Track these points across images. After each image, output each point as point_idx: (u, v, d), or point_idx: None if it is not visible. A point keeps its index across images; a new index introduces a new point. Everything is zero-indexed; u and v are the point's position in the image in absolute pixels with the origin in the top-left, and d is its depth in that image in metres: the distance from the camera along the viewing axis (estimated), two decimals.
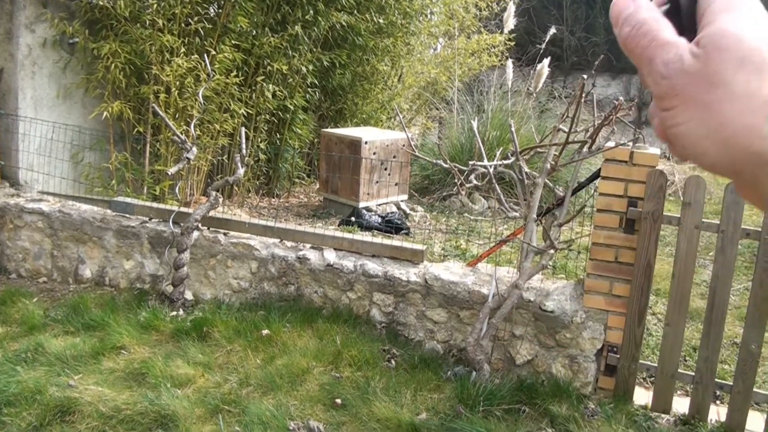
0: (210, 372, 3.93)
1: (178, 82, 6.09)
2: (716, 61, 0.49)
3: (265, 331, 4.29)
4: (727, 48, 0.49)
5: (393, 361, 4.14)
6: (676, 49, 0.51)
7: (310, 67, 7.34)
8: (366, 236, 4.98)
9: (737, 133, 0.48)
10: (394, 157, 7.18)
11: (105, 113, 5.96)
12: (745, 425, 3.74)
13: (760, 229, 3.71)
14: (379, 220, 6.72)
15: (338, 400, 3.69)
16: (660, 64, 0.52)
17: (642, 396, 4.03)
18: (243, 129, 5.23)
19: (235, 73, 6.42)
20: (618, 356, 3.95)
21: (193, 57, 6.06)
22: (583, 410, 3.75)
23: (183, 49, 6.09)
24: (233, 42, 6.46)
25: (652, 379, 4.08)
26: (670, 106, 0.52)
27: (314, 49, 7.43)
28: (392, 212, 7.15)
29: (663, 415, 3.88)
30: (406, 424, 3.50)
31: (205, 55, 5.66)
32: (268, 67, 6.91)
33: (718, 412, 3.92)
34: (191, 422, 3.45)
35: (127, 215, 5.16)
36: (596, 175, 4.10)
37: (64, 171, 6.08)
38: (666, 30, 0.52)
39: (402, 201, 7.48)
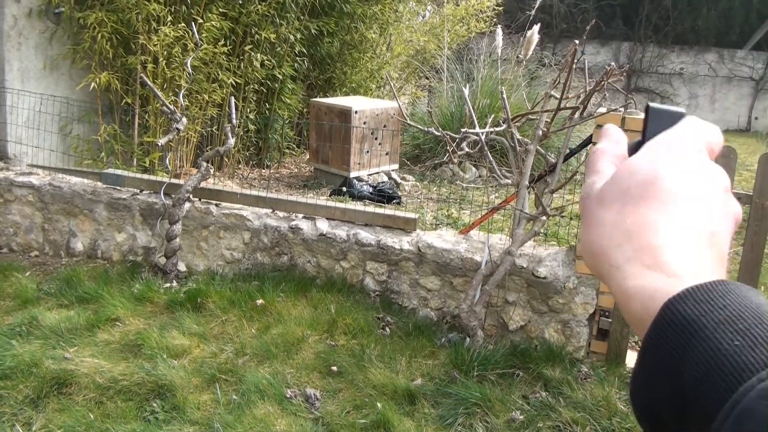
0: (205, 342, 3.94)
1: (165, 52, 6.02)
2: (605, 190, 0.57)
3: (260, 301, 4.31)
4: (618, 179, 0.57)
5: (387, 329, 4.17)
6: (596, 177, 0.59)
7: (298, 36, 7.27)
8: (358, 205, 4.98)
9: (595, 253, 0.56)
10: (385, 126, 7.15)
11: (92, 84, 5.90)
12: None
13: (750, 194, 3.74)
14: (371, 189, 6.72)
15: (334, 368, 3.72)
16: (583, 186, 0.61)
17: (634, 359, 4.07)
18: (232, 99, 5.19)
19: (222, 42, 6.36)
20: (610, 320, 3.99)
21: (180, 26, 5.99)
22: (576, 374, 3.80)
23: (170, 18, 6.02)
24: (220, 10, 6.38)
25: None
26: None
27: (302, 17, 7.36)
28: (383, 182, 7.14)
29: None
30: (401, 389, 3.53)
31: (193, 24, 5.59)
32: (256, 36, 6.84)
33: None
34: (188, 392, 3.47)
35: (118, 187, 5.13)
36: (588, 142, 4.11)
37: (53, 143, 6.02)
38: (602, 162, 0.60)
39: (393, 170, 7.47)
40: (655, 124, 0.59)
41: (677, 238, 0.53)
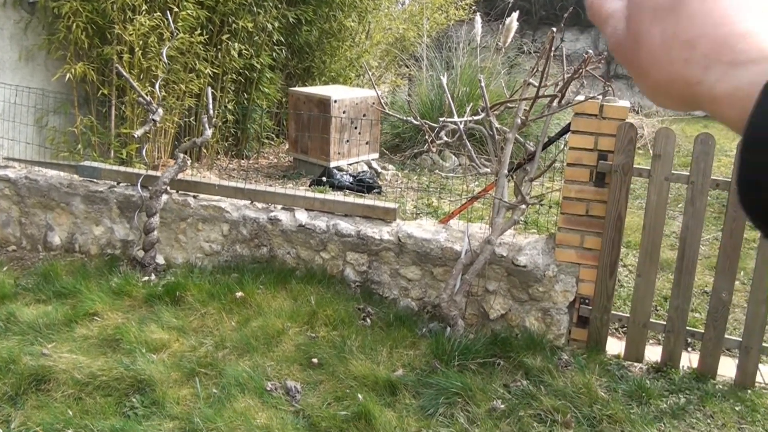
0: (185, 336, 3.91)
1: (141, 42, 5.95)
2: (635, 22, 0.51)
3: (239, 294, 4.28)
4: (640, 4, 0.51)
5: (368, 320, 4.16)
6: (611, 20, 0.53)
7: (276, 24, 7.21)
8: (338, 195, 4.96)
9: (669, 88, 0.50)
10: (364, 115, 7.12)
11: (68, 75, 5.83)
12: (717, 370, 3.84)
13: (729, 180, 3.76)
14: (351, 179, 6.70)
15: (315, 360, 3.71)
16: (607, 37, 0.54)
17: (615, 346, 4.10)
18: (209, 89, 5.14)
19: (199, 31, 6.29)
20: (590, 308, 4.00)
21: (155, 15, 5.92)
22: (557, 361, 3.81)
23: (145, 7, 5.94)
24: None
25: (625, 329, 4.15)
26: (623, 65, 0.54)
27: (279, 6, 7.29)
28: (363, 171, 7.12)
29: (636, 364, 3.96)
30: (382, 380, 3.53)
31: (168, 13, 5.53)
32: (233, 25, 6.77)
33: (689, 359, 4.01)
34: (168, 386, 3.44)
35: (95, 180, 5.07)
36: (566, 130, 4.11)
37: (29, 136, 5.94)
38: (607, 3, 0.54)
39: (373, 160, 7.44)
40: None
41: (743, 16, 0.46)
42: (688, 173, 3.75)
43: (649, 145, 8.56)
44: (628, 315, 4.03)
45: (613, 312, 4.03)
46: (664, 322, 3.93)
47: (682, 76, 0.48)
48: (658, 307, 4.58)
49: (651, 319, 3.97)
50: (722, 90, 0.46)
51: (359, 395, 3.41)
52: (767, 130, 0.42)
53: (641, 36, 0.50)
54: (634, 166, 3.83)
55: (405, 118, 4.43)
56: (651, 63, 0.50)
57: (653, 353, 4.02)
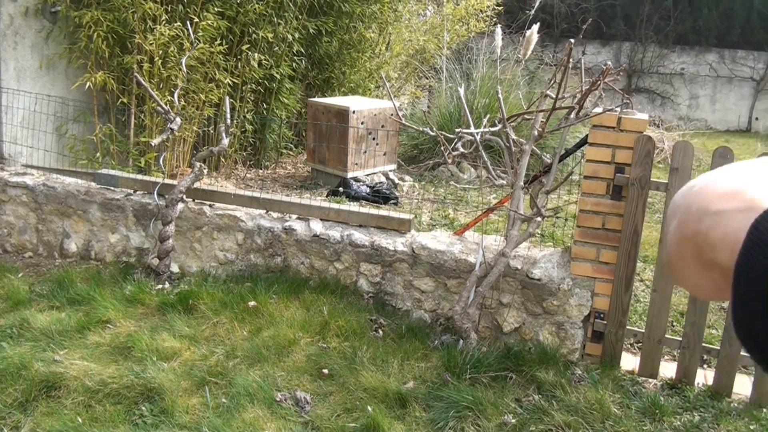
0: (196, 345, 3.91)
1: (161, 51, 5.99)
2: (669, 233, 0.59)
3: (252, 303, 4.27)
4: (670, 214, 0.59)
5: (380, 331, 4.13)
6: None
7: (296, 35, 7.24)
8: (352, 206, 4.94)
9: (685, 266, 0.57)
10: (382, 126, 7.12)
11: (88, 84, 5.88)
12: (732, 388, 3.76)
13: None
14: (368, 190, 6.68)
15: (325, 371, 3.68)
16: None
17: (629, 362, 4.04)
18: (228, 99, 5.16)
19: (219, 41, 6.33)
20: (605, 322, 3.94)
21: (176, 25, 5.96)
22: (570, 376, 3.75)
23: (165, 17, 5.99)
24: (217, 9, 6.35)
25: (639, 344, 4.08)
26: None
27: (300, 17, 7.32)
28: (381, 182, 7.10)
29: (650, 380, 3.89)
30: (393, 393, 3.50)
31: (189, 23, 5.56)
32: (254, 35, 6.81)
33: (705, 376, 3.94)
34: (177, 395, 3.43)
35: (112, 188, 5.10)
36: (583, 142, 4.06)
37: (48, 143, 6.00)
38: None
39: (390, 171, 7.43)
40: None
41: (726, 183, 0.53)
42: None
43: (668, 159, 8.47)
44: (643, 330, 3.96)
45: (628, 327, 3.97)
46: (680, 338, 3.87)
47: (684, 238, 0.56)
48: (674, 323, 4.51)
49: (666, 335, 3.90)
50: (714, 235, 0.52)
51: (369, 407, 3.38)
52: (749, 270, 0.46)
53: (670, 243, 0.59)
54: (652, 179, 3.78)
55: (422, 129, 4.41)
56: (678, 263, 0.58)
57: (668, 369, 3.96)
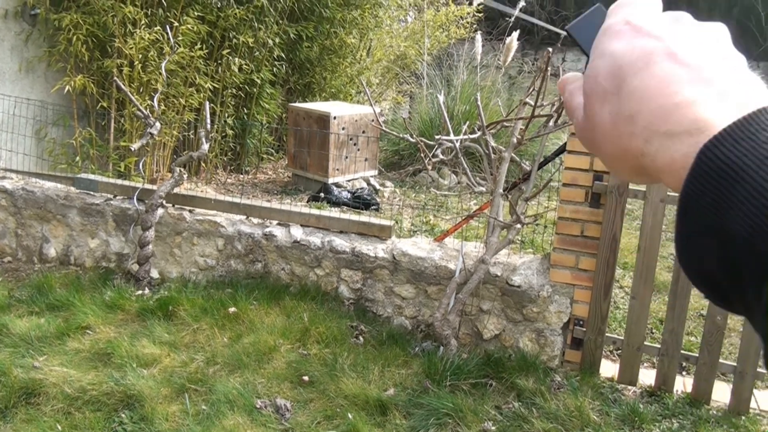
0: (176, 351, 3.89)
1: (141, 55, 5.97)
2: (589, 107, 0.55)
3: (232, 309, 4.26)
4: (589, 92, 0.55)
5: (361, 338, 4.14)
6: (578, 113, 0.57)
7: (277, 40, 7.23)
8: (333, 212, 4.95)
9: (623, 161, 0.53)
10: (363, 132, 7.13)
11: (67, 87, 5.85)
12: (711, 395, 3.80)
13: None
14: (349, 195, 6.69)
15: (305, 378, 3.68)
16: (575, 127, 0.59)
17: (609, 368, 4.07)
18: (208, 103, 5.15)
19: (199, 45, 6.31)
20: (584, 329, 3.98)
21: (156, 29, 5.94)
22: (550, 383, 3.78)
23: (145, 21, 5.97)
24: (197, 13, 6.33)
25: (619, 351, 4.12)
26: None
27: (280, 21, 7.32)
28: (362, 188, 7.11)
29: (629, 387, 3.93)
30: (373, 400, 3.50)
31: (169, 27, 5.55)
32: (234, 40, 6.80)
33: (684, 383, 3.98)
34: (157, 402, 3.42)
35: (91, 192, 5.07)
36: (562, 149, 4.10)
37: (28, 147, 5.95)
38: (574, 97, 0.58)
39: (372, 176, 7.44)
40: (584, 37, 0.58)
41: (679, 87, 0.48)
42: None
43: None
44: (622, 337, 4.00)
45: (607, 334, 4.01)
46: (659, 345, 3.91)
47: (628, 150, 0.51)
48: (653, 330, 4.55)
49: (646, 342, 3.94)
50: (662, 161, 0.48)
51: (349, 414, 3.39)
52: (696, 203, 0.44)
53: (594, 118, 0.54)
54: (630, 187, 3.82)
55: (402, 135, 4.43)
56: (603, 141, 0.54)
57: (647, 376, 3.99)
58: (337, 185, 6.95)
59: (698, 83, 0.47)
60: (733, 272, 0.42)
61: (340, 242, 4.48)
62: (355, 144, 7.10)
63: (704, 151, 0.43)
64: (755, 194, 0.40)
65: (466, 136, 4.03)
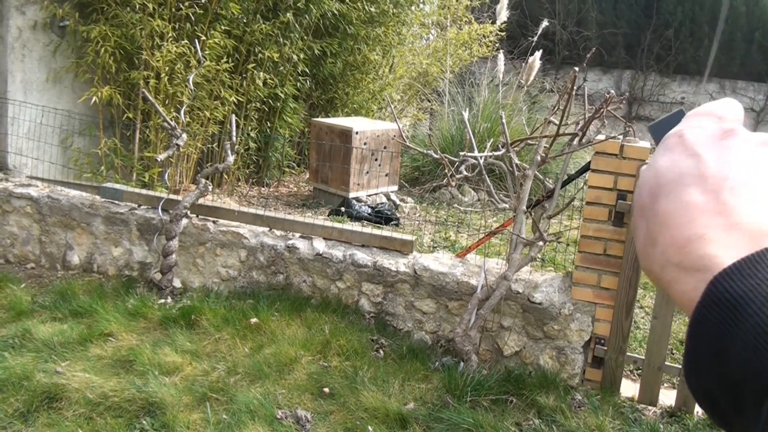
0: (198, 360, 3.92)
1: (168, 68, 6.05)
2: (635, 220, 0.55)
3: (254, 320, 4.29)
4: (635, 200, 0.55)
5: (381, 351, 4.15)
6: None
7: (301, 56, 7.31)
8: (355, 226, 4.97)
9: (653, 278, 0.53)
10: (385, 147, 7.17)
11: (94, 98, 5.93)
12: None
13: None
14: (369, 210, 6.72)
15: (326, 389, 3.69)
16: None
17: (629, 388, 4.05)
18: (233, 116, 5.20)
19: (225, 59, 6.39)
20: (605, 348, 3.96)
21: (183, 42, 6.03)
22: (570, 401, 3.77)
23: (173, 34, 6.05)
24: (224, 28, 6.42)
25: (639, 371, 4.10)
26: None
27: (305, 37, 7.40)
28: (382, 203, 7.14)
29: (650, 407, 3.90)
30: (393, 413, 3.51)
31: (196, 41, 5.62)
32: (259, 55, 6.87)
33: None
34: (179, 410, 3.44)
35: (116, 201, 5.13)
36: (586, 168, 4.11)
37: (54, 156, 6.04)
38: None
39: (392, 192, 7.47)
40: (660, 139, 0.57)
41: (692, 217, 0.49)
42: None
43: None
44: (643, 357, 3.98)
45: (628, 353, 3.99)
46: (680, 366, 3.89)
47: (651, 271, 0.53)
48: (674, 351, 4.53)
49: (666, 362, 3.93)
50: (675, 291, 0.50)
51: (369, 427, 3.39)
52: (705, 329, 0.45)
53: (636, 230, 0.55)
54: None
55: (425, 151, 4.46)
56: (640, 254, 0.55)
57: (668, 397, 3.97)
58: (358, 200, 6.99)
59: (711, 215, 0.48)
60: (734, 397, 0.44)
61: (362, 256, 4.50)
62: (376, 159, 7.14)
63: (713, 283, 0.45)
64: (757, 327, 0.42)
65: (490, 153, 4.05)
